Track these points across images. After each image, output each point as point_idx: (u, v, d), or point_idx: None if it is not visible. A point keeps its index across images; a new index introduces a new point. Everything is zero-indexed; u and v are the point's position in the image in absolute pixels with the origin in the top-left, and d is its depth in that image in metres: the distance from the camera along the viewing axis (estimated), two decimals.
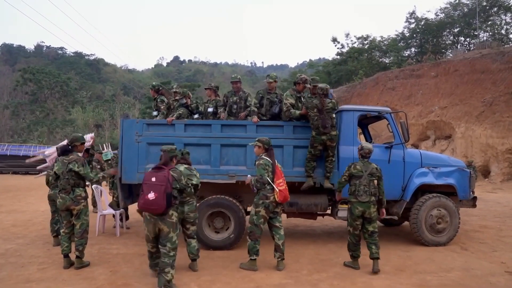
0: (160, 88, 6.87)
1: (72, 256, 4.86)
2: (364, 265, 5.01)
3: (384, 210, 5.12)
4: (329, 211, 6.33)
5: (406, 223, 7.11)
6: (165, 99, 6.71)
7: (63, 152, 4.91)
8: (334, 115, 5.78)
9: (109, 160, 8.27)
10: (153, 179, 4.02)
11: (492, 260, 5.27)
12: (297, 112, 5.87)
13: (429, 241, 5.95)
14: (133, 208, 8.55)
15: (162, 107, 6.62)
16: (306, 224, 7.89)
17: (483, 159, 17.69)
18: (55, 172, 4.88)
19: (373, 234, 4.80)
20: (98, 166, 9.76)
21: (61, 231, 4.91)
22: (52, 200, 5.96)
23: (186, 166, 4.86)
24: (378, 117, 6.57)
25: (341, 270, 4.83)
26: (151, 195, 3.94)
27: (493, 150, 17.28)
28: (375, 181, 4.80)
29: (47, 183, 6.08)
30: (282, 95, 6.43)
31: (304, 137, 5.82)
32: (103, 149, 8.71)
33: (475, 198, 6.48)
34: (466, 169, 6.37)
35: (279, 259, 4.87)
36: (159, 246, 4.19)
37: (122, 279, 4.43)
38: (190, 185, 4.57)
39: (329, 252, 5.68)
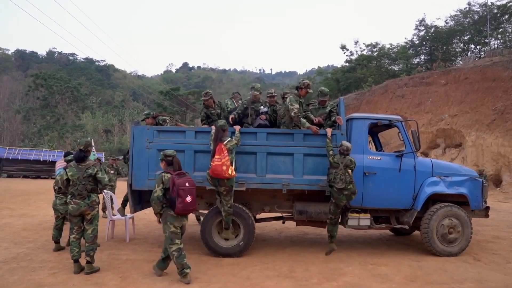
0: (151, 114, 7.16)
1: (82, 261, 4.89)
2: (374, 275, 4.97)
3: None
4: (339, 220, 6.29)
5: (416, 232, 7.04)
6: (167, 118, 6.99)
7: (82, 158, 4.97)
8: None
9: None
10: (187, 184, 4.53)
11: (506, 272, 5.16)
12: (307, 124, 5.76)
13: (440, 251, 5.86)
14: (140, 214, 8.57)
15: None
16: (316, 232, 7.84)
17: (495, 168, 17.47)
18: (67, 178, 4.91)
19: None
20: (112, 172, 9.88)
21: (71, 236, 4.93)
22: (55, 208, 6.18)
23: None
24: (389, 125, 6.54)
25: (351, 280, 4.78)
26: (189, 199, 4.49)
27: (504, 159, 17.07)
28: (350, 171, 5.47)
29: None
30: (267, 102, 6.47)
31: (314, 145, 5.80)
32: None
33: (487, 208, 6.39)
34: (478, 179, 6.29)
35: (225, 227, 5.63)
36: None
37: (132, 285, 4.43)
38: None
39: (339, 261, 5.62)
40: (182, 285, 4.46)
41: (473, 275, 4.97)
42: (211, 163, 5.29)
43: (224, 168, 5.18)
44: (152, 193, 4.64)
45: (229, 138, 5.52)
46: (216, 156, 5.27)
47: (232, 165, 5.34)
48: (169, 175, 4.60)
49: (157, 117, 7.14)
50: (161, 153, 4.90)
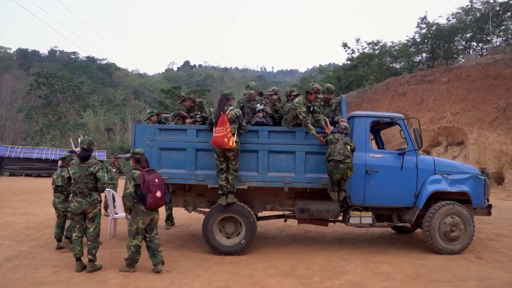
0: (154, 112, 7.10)
1: (84, 259, 4.90)
2: (376, 273, 4.96)
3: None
4: (340, 218, 6.28)
5: (418, 230, 7.03)
6: (169, 117, 6.89)
7: (86, 157, 4.98)
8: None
9: None
10: (156, 180, 4.77)
11: (509, 270, 5.15)
12: (313, 131, 5.64)
13: (442, 249, 5.85)
14: None
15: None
16: (318, 230, 7.83)
17: (497, 166, 17.39)
18: (68, 177, 4.95)
19: None
20: (114, 170, 9.89)
21: (74, 235, 4.95)
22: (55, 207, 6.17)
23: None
24: (391, 123, 6.52)
25: (353, 278, 4.78)
26: (159, 194, 4.71)
27: (507, 156, 16.99)
28: (349, 147, 5.50)
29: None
30: (263, 99, 6.46)
31: (316, 143, 5.78)
32: (75, 147, 8.79)
33: (490, 206, 6.36)
34: (480, 176, 6.27)
35: (230, 191, 5.58)
36: (147, 234, 4.87)
37: (134, 283, 4.44)
38: None
39: (341, 259, 5.61)
40: (184, 283, 4.47)
41: (475, 273, 4.96)
42: (213, 134, 5.35)
43: (226, 140, 5.23)
44: (123, 190, 4.76)
45: (231, 107, 5.52)
46: (218, 128, 5.30)
47: (233, 136, 5.32)
48: (139, 172, 4.78)
49: (159, 114, 7.11)
50: (130, 150, 5.13)
